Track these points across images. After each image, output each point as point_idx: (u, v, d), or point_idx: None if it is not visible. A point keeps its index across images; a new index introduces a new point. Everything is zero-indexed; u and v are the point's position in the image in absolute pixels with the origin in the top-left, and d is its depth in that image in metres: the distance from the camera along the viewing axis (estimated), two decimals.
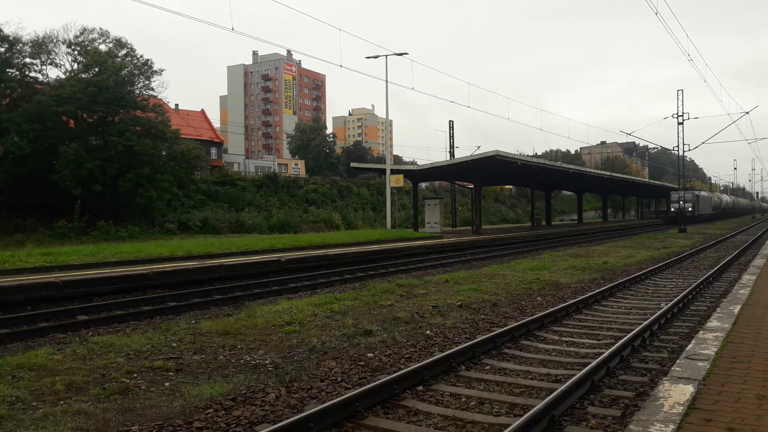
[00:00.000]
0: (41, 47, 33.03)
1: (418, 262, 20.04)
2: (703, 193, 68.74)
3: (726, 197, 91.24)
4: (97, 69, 32.84)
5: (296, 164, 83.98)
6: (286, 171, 73.18)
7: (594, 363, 6.46)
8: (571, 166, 42.23)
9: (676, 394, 4.57)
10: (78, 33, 34.11)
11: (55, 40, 33.53)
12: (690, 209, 55.86)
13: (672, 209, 57.90)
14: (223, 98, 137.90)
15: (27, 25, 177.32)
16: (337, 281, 15.42)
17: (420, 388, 6.18)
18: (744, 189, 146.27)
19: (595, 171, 50.88)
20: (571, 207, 72.80)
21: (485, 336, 8.03)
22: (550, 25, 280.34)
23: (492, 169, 32.93)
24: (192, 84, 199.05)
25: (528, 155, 67.08)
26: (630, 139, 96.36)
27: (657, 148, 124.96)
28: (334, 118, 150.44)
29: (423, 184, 53.13)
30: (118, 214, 32.06)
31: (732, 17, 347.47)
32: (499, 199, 67.60)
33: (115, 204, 32.54)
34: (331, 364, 7.04)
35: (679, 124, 42.26)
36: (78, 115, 32.61)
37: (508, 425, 4.83)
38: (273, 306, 11.06)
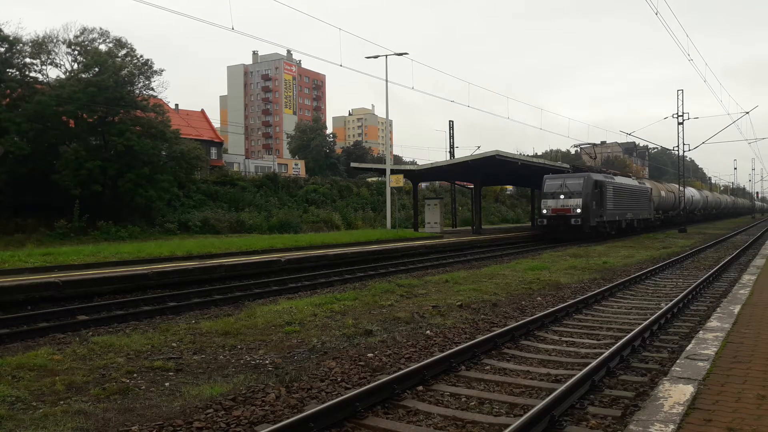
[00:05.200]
0: (41, 47, 33.02)
1: (418, 262, 20.04)
2: (620, 179, 35.04)
3: (693, 192, 57.52)
4: (97, 69, 32.82)
5: (296, 164, 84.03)
6: (286, 171, 73.21)
7: (594, 363, 6.46)
8: (572, 166, 42.22)
9: (676, 394, 4.57)
10: (78, 33, 34.13)
11: (55, 40, 33.54)
12: (579, 211, 28.40)
13: (544, 211, 29.81)
14: (223, 98, 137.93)
15: (27, 25, 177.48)
16: (337, 281, 15.41)
17: (420, 388, 6.18)
18: (742, 188, 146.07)
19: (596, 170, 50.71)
20: None
21: (485, 336, 8.03)
22: (549, 24, 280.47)
23: (492, 169, 32.91)
24: (192, 84, 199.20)
25: (528, 155, 66.98)
26: (630, 139, 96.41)
27: (657, 148, 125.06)
28: (334, 118, 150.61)
29: (423, 184, 53.09)
30: (118, 214, 32.05)
31: (731, 15, 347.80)
32: (499, 199, 67.58)
33: (115, 204, 32.52)
34: (331, 364, 7.04)
35: (679, 124, 42.28)
36: (78, 115, 32.60)
37: (508, 425, 4.83)
38: (273, 306, 11.06)
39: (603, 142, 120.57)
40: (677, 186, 53.36)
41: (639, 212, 36.91)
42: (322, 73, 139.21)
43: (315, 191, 47.35)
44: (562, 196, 29.21)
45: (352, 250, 20.63)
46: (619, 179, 34.55)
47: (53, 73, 58.79)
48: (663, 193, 45.61)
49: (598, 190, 29.87)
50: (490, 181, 46.71)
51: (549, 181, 30.41)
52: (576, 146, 35.73)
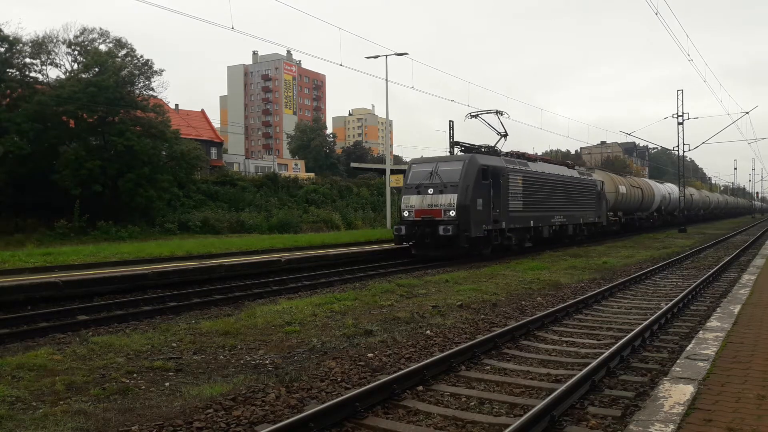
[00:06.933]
0: (41, 47, 33.03)
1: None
2: (539, 166, 24.64)
3: (671, 189, 46.59)
4: (97, 69, 32.84)
5: (296, 164, 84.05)
6: (286, 171, 73.22)
7: (594, 363, 6.46)
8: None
9: (676, 394, 4.57)
10: (78, 33, 34.14)
11: (55, 40, 33.55)
12: (453, 214, 18.74)
13: (405, 213, 19.92)
14: (223, 98, 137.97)
15: (27, 25, 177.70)
16: (337, 281, 15.41)
17: (420, 388, 6.18)
18: (742, 188, 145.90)
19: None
20: None
21: (485, 336, 8.03)
22: (549, 24, 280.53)
23: None
24: (192, 84, 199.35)
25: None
26: (630, 139, 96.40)
27: (657, 148, 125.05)
28: (334, 118, 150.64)
29: None
30: (118, 214, 32.05)
31: (731, 15, 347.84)
32: None
33: (115, 204, 32.53)
34: (331, 364, 7.04)
35: (679, 124, 42.32)
36: (78, 115, 32.61)
37: (508, 425, 4.82)
38: (273, 306, 11.05)
39: (603, 142, 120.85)
40: (648, 180, 44.46)
41: (578, 214, 27.02)
42: (322, 73, 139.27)
43: (315, 191, 47.35)
44: (430, 191, 19.45)
45: (352, 250, 20.61)
46: (537, 166, 24.39)
47: (53, 73, 58.81)
48: (622, 189, 34.70)
49: (490, 182, 19.92)
50: None
51: (416, 167, 20.77)
52: (473, 115, 22.95)
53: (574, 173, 28.18)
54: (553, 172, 25.64)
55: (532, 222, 22.71)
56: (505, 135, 23.56)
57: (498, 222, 20.39)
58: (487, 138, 44.35)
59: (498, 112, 23.04)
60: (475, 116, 23.17)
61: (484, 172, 19.81)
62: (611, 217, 33.12)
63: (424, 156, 22.39)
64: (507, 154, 23.29)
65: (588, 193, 28.58)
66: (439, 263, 18.94)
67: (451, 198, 19.07)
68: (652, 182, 45.45)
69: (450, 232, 18.44)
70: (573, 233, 26.85)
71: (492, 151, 22.51)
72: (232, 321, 9.61)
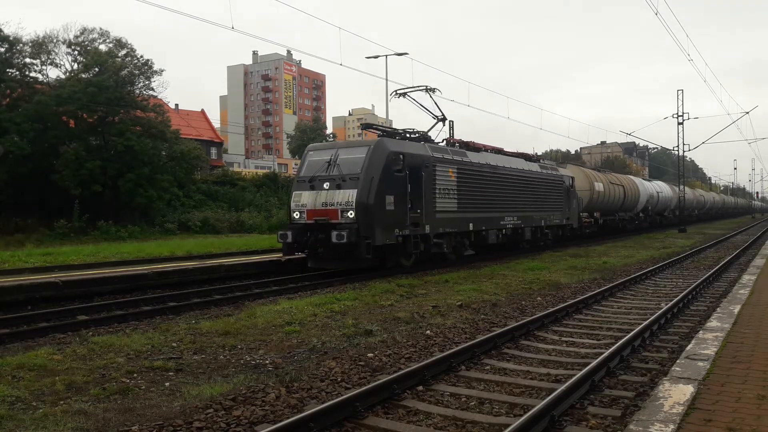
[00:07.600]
0: (41, 47, 33.08)
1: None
2: (483, 157, 20.03)
3: (660, 188, 44.21)
4: (97, 69, 32.87)
5: (296, 164, 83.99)
6: (286, 171, 73.23)
7: (594, 363, 6.46)
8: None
9: (676, 394, 4.57)
10: (78, 33, 34.21)
11: (55, 40, 33.61)
12: (352, 216, 14.45)
13: (294, 215, 15.49)
14: (223, 98, 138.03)
15: (27, 25, 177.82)
16: (337, 281, 15.38)
17: (420, 388, 6.18)
18: (742, 188, 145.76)
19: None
20: None
21: (485, 336, 8.03)
22: (550, 24, 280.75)
23: None
24: (192, 84, 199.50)
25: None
26: (630, 139, 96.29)
27: (657, 148, 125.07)
28: (334, 118, 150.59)
29: None
30: (118, 214, 32.08)
31: (730, 15, 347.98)
32: None
33: (115, 204, 32.56)
34: (331, 364, 7.04)
35: (679, 124, 42.35)
36: (78, 115, 32.65)
37: (508, 425, 4.82)
38: (273, 306, 11.05)
39: (603, 142, 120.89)
40: (632, 177, 40.77)
41: (539, 215, 23.27)
42: (322, 73, 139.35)
43: None
44: (326, 186, 15.27)
45: None
46: (480, 156, 19.91)
47: (53, 73, 58.68)
48: (599, 187, 30.38)
49: (406, 174, 15.74)
50: None
51: (312, 155, 16.32)
52: (399, 93, 19.45)
53: (533, 166, 23.76)
54: (503, 164, 21.18)
55: (471, 225, 18.71)
56: (443, 119, 19.66)
57: (419, 225, 16.26)
58: (486, 136, 44.38)
59: (429, 90, 19.02)
60: (403, 95, 19.51)
61: (396, 162, 15.50)
62: (586, 218, 29.51)
63: (320, 144, 17.52)
64: (444, 141, 19.74)
65: (552, 190, 24.62)
66: (441, 266, 18.68)
67: (350, 194, 14.81)
68: (637, 180, 41.29)
69: (345, 239, 14.16)
70: (532, 237, 23.11)
71: (421, 137, 18.11)
72: (232, 321, 9.61)
